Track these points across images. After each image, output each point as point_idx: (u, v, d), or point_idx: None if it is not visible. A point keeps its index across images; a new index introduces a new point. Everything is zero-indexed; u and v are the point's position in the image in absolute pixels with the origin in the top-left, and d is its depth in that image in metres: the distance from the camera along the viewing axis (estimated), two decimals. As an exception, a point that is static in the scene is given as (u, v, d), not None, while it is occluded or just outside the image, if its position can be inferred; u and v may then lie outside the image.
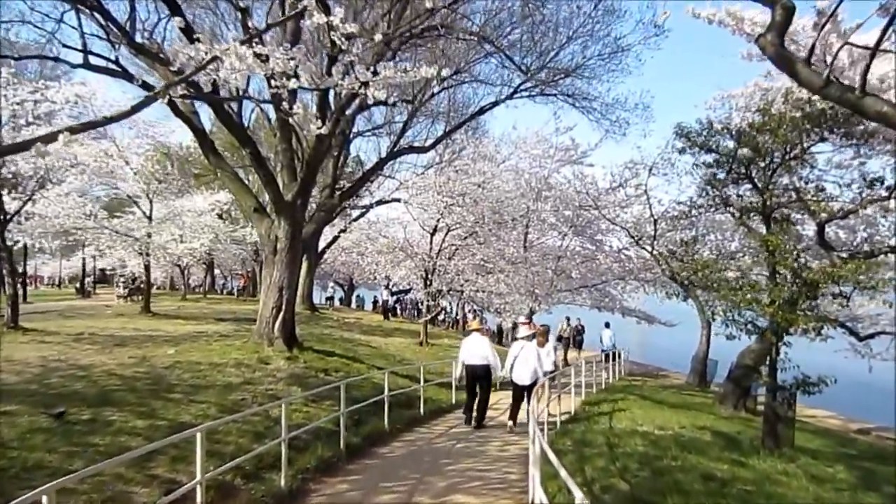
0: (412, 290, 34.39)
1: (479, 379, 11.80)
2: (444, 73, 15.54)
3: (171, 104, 14.00)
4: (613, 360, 21.86)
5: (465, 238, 26.56)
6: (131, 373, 10.98)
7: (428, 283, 24.70)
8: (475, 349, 11.93)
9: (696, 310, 21.36)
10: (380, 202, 33.90)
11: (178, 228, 36.19)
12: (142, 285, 41.01)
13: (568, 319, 28.84)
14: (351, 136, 32.59)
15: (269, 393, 10.70)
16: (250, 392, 10.52)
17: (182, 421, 8.48)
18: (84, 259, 44.32)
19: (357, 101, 13.36)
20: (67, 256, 53.08)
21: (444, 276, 25.41)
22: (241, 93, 11.40)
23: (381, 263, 26.19)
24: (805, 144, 10.73)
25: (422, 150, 21.04)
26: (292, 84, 7.30)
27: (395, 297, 46.78)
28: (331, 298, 43.94)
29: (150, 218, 25.50)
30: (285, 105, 9.29)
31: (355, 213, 34.56)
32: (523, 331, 12.24)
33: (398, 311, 48.47)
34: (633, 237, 21.68)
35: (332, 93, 13.84)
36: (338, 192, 16.73)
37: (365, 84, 7.29)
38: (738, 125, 11.07)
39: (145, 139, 24.40)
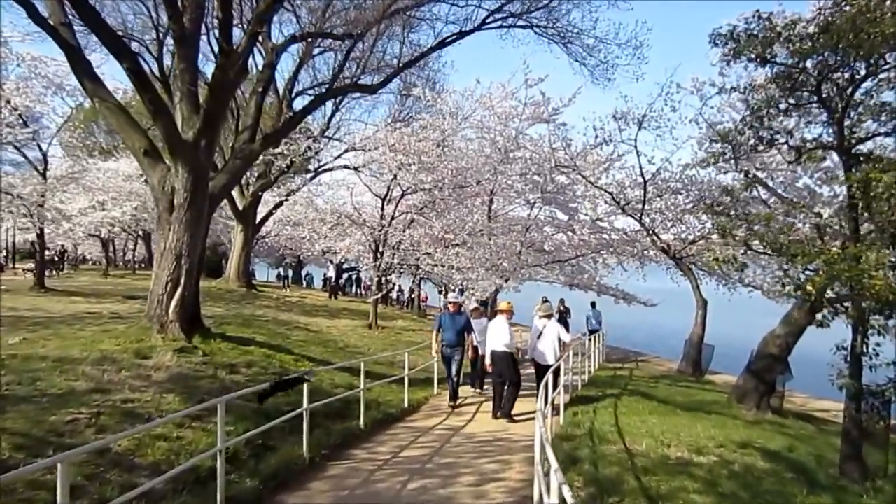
0: (360, 268, 30.95)
1: (502, 367, 10.63)
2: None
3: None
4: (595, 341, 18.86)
5: (422, 208, 23.18)
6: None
7: (378, 256, 21.24)
8: (497, 334, 10.72)
9: (690, 288, 18.48)
10: (325, 168, 30.32)
11: (101, 193, 32.08)
12: (56, 258, 36.89)
13: (561, 301, 25.45)
14: (293, 93, 28.85)
15: (125, 408, 7.12)
16: (95, 406, 6.94)
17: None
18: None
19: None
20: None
21: (397, 249, 21.99)
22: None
23: (323, 233, 22.49)
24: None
25: (369, 88, 17.38)
26: None
27: (345, 275, 43.21)
28: (285, 277, 39.81)
29: (43, 175, 21.12)
30: None
31: (300, 181, 30.90)
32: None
33: (352, 290, 44.89)
34: (617, 202, 18.55)
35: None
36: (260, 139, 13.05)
37: None
38: (815, 21, 7.88)
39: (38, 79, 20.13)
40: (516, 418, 10.39)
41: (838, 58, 7.41)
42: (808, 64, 7.78)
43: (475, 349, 12.20)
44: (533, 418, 10.63)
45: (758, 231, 7.43)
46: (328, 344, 16.40)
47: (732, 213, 7.58)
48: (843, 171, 8.04)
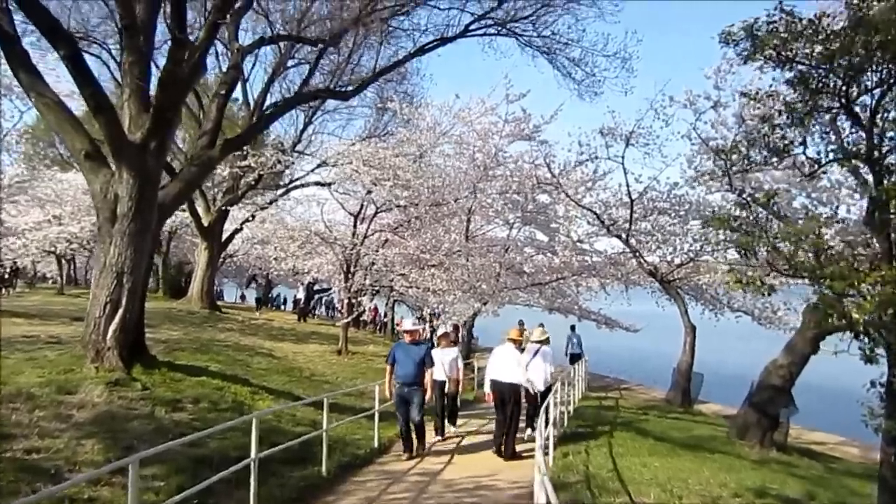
0: (332, 289, 29.61)
1: (505, 399, 9.51)
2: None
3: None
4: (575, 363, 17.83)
5: (397, 228, 22.05)
6: None
7: (349, 277, 19.99)
8: (504, 363, 9.60)
9: (678, 312, 17.53)
10: (296, 185, 29.01)
11: (57, 206, 30.38)
12: (6, 275, 34.86)
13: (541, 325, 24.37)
14: (265, 106, 27.58)
15: (26, 462, 5.77)
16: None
17: None
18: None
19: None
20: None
21: (370, 269, 20.76)
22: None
23: (291, 251, 21.18)
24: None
25: (342, 95, 16.28)
26: None
27: (317, 296, 41.66)
28: (258, 300, 37.83)
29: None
30: None
31: (269, 196, 29.50)
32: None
33: (325, 312, 43.31)
34: (602, 222, 17.57)
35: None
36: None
37: None
38: (845, 15, 6.97)
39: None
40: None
41: (871, 57, 6.50)
42: (834, 65, 6.86)
43: (438, 384, 10.11)
44: (521, 457, 9.55)
45: (785, 250, 6.39)
46: (292, 372, 15.07)
47: (755, 229, 6.55)
48: (874, 183, 7.12)
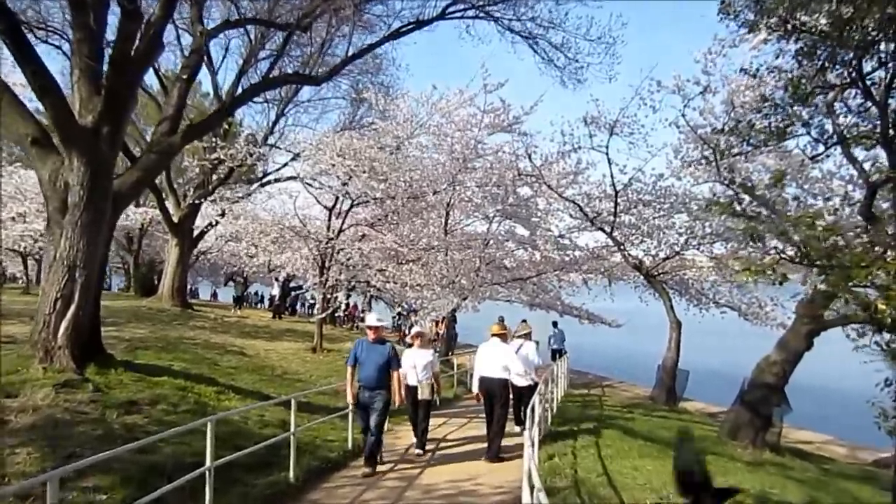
0: (304, 287, 28.86)
1: (494, 397, 9.11)
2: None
3: None
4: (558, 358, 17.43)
5: (373, 224, 21.42)
6: None
7: (324, 272, 19.32)
8: (491, 359, 9.22)
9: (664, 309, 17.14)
10: (268, 180, 28.27)
11: (20, 203, 29.28)
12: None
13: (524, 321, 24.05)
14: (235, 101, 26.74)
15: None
16: None
17: None
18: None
19: None
20: None
21: (346, 264, 20.09)
22: None
23: (262, 246, 20.46)
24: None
25: (313, 80, 15.58)
26: None
27: (293, 293, 40.72)
28: (237, 298, 36.13)
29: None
30: None
31: (241, 191, 28.64)
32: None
33: (302, 309, 42.25)
34: (585, 214, 17.08)
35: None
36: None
37: None
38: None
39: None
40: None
41: (887, 26, 6.02)
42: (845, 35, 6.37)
43: (410, 389, 9.07)
44: (503, 459, 9.00)
45: (799, 235, 5.86)
46: (263, 371, 14.39)
47: (763, 212, 6.05)
48: (890, 164, 6.65)
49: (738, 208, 6.48)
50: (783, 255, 6.12)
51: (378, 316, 8.86)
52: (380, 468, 8.29)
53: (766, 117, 7.32)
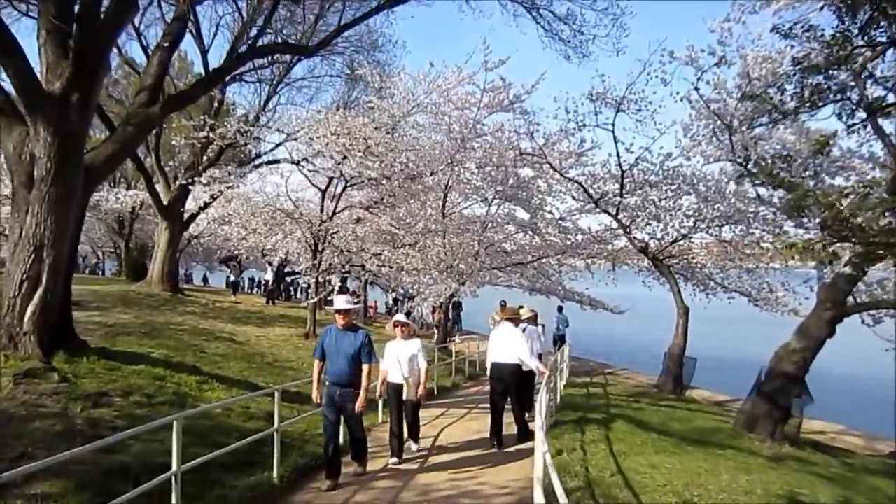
0: (298, 271, 28.12)
1: (507, 384, 9.03)
2: None
3: None
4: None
5: (368, 207, 20.73)
6: None
7: (318, 255, 18.61)
8: (505, 343, 9.06)
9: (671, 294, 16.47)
10: (261, 161, 27.42)
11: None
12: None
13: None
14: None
15: None
16: None
17: None
18: None
19: None
20: None
21: (340, 248, 19.37)
22: None
23: (253, 227, 19.74)
24: None
25: (302, 49, 14.79)
26: None
27: (288, 278, 39.99)
28: (235, 284, 35.25)
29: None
30: None
31: (232, 173, 27.81)
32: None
33: (298, 294, 41.50)
34: (590, 196, 16.36)
35: None
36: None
37: None
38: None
39: None
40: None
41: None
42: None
43: (394, 388, 8.13)
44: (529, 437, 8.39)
45: (850, 209, 5.13)
46: (253, 358, 13.70)
47: (810, 182, 5.38)
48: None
49: (780, 177, 5.76)
50: (831, 231, 5.39)
51: (348, 298, 7.51)
52: (373, 464, 7.62)
53: (799, 82, 6.59)
